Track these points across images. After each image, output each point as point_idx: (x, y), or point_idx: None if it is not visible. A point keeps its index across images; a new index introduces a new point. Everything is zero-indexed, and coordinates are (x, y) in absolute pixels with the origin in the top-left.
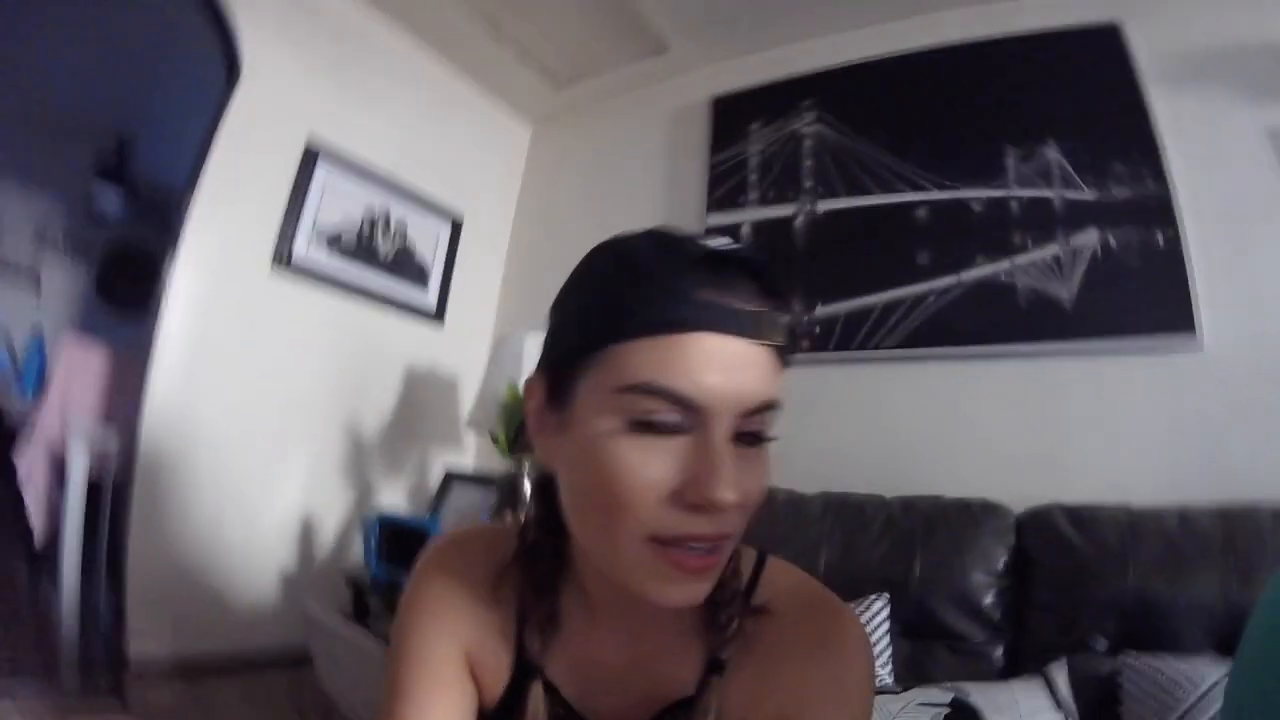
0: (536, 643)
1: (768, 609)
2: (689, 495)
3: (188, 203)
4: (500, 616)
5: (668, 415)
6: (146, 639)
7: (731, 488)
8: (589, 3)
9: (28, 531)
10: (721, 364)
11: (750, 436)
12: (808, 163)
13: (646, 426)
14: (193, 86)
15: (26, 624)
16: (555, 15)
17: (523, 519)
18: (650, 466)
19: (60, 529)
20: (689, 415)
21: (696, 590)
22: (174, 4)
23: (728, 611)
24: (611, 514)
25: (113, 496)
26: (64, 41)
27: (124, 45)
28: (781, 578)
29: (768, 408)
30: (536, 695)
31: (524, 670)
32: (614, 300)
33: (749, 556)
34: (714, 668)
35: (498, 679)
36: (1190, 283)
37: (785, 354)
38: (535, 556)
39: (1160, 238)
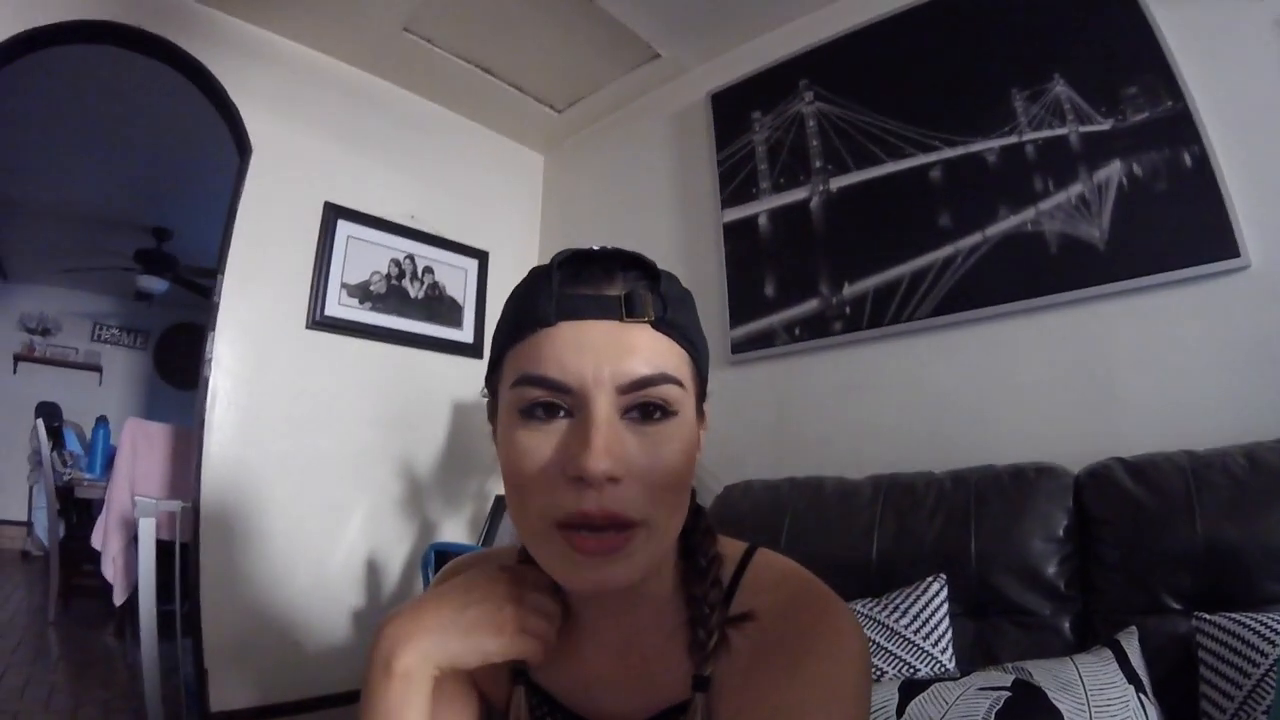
0: None
1: (751, 614)
2: (568, 469)
3: (221, 277)
4: None
5: (548, 400)
6: (227, 688)
7: (601, 457)
8: (571, 25)
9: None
10: (586, 347)
11: (644, 410)
12: (814, 142)
13: (532, 413)
14: (212, 169)
15: (119, 677)
16: (542, 45)
17: None
18: (540, 448)
19: (136, 588)
20: (566, 398)
21: (607, 574)
22: (180, 98)
23: (707, 627)
24: (521, 497)
25: (182, 555)
26: (96, 154)
27: (147, 146)
28: (768, 571)
29: (649, 383)
30: (518, 700)
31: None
32: (507, 317)
33: (735, 555)
34: (699, 685)
35: (501, 688)
36: (1225, 198)
37: (671, 330)
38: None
39: (1187, 157)
